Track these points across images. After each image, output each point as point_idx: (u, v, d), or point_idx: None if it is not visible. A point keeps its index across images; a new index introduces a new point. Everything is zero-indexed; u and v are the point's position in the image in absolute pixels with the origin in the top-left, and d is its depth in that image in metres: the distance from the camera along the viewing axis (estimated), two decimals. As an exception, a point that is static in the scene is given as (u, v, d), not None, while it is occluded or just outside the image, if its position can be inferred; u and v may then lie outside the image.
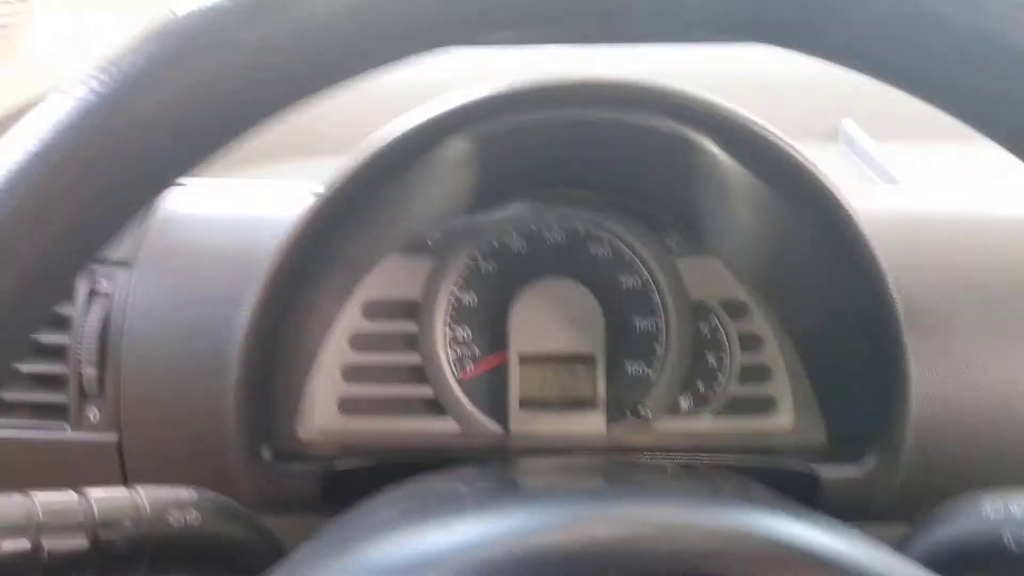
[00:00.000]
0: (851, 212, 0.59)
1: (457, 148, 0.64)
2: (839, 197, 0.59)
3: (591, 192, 0.71)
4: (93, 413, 0.62)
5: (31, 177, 0.26)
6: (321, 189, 0.60)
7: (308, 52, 0.27)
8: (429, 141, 0.61)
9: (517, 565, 0.30)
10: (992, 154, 0.86)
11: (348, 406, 0.70)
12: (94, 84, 0.26)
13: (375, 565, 0.32)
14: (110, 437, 0.62)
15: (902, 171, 0.92)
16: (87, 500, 0.43)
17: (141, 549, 0.44)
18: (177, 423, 0.61)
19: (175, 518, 0.45)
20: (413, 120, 0.60)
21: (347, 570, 0.32)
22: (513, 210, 0.71)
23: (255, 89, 0.27)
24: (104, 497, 0.44)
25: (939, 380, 0.60)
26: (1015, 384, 0.60)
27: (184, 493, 0.47)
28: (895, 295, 0.58)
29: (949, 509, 0.49)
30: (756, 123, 0.59)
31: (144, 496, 0.45)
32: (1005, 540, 0.45)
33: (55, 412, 0.63)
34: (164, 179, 0.28)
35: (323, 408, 0.69)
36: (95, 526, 0.43)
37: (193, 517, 0.46)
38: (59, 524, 0.42)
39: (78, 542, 0.42)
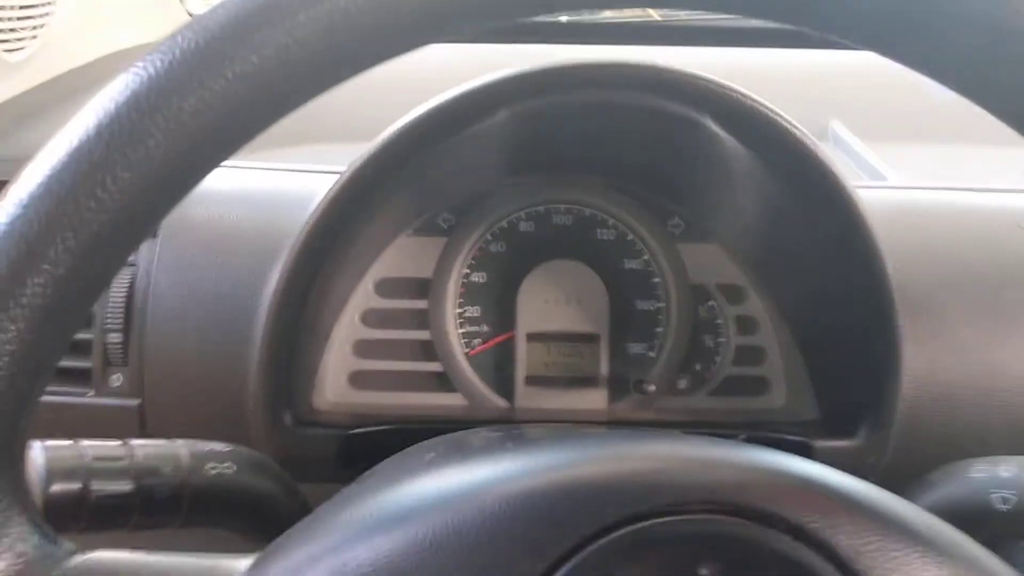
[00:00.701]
0: (852, 192, 0.62)
1: (468, 134, 0.66)
2: (840, 177, 0.62)
3: (598, 177, 0.74)
4: (117, 378, 0.64)
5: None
6: (344, 171, 0.62)
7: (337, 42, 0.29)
8: (445, 127, 0.63)
9: (560, 495, 0.33)
10: (977, 152, 0.90)
11: (359, 380, 0.72)
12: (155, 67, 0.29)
13: (427, 495, 0.34)
14: (133, 402, 0.64)
15: (890, 171, 0.95)
16: (131, 449, 0.45)
17: (180, 495, 0.46)
18: (198, 390, 0.63)
19: (212, 468, 0.47)
20: (430, 105, 0.62)
21: (398, 500, 0.34)
22: (523, 193, 0.74)
23: (294, 76, 0.30)
24: (147, 444, 0.46)
25: (930, 360, 0.63)
26: (1002, 364, 0.64)
27: (221, 446, 0.49)
28: (891, 277, 0.61)
29: (940, 473, 0.52)
30: (761, 103, 0.61)
31: (184, 447, 0.47)
32: (993, 500, 0.48)
33: (80, 377, 0.65)
34: (215, 159, 0.31)
35: (335, 381, 0.72)
36: (138, 472, 0.45)
37: (229, 468, 0.48)
38: (106, 469, 0.44)
39: (123, 486, 0.44)
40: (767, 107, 0.61)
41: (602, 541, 0.32)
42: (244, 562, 0.36)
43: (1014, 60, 0.29)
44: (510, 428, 0.44)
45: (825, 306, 0.69)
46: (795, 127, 0.62)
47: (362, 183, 0.61)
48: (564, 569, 0.32)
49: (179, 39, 0.30)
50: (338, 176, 0.62)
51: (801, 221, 0.67)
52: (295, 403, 0.66)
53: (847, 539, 0.32)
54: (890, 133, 1.03)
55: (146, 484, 0.45)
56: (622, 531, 0.32)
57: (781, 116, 0.61)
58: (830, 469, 0.35)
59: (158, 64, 0.30)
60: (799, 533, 0.32)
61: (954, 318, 0.65)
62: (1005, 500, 0.48)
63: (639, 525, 0.32)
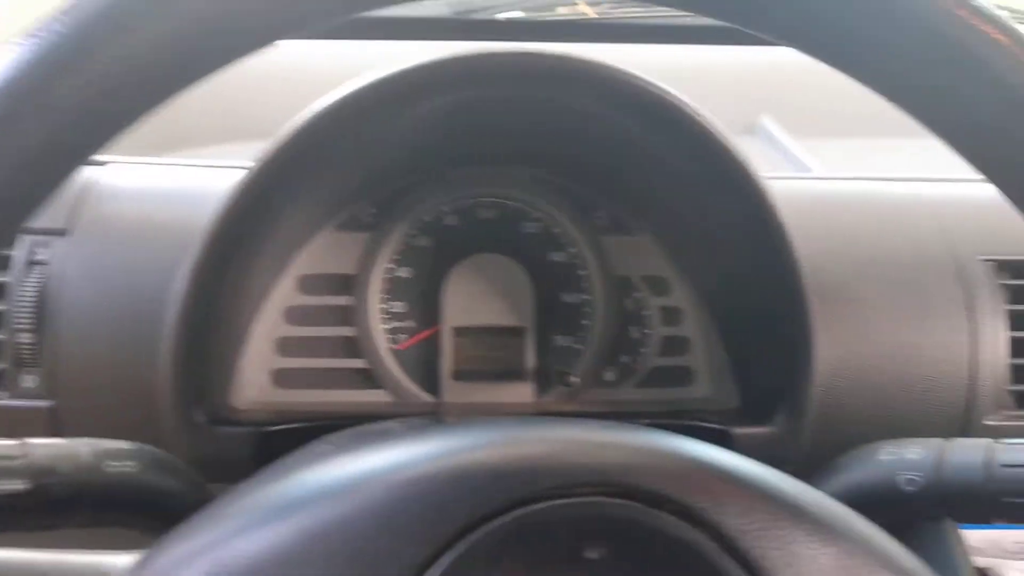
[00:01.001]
0: (761, 182, 0.63)
1: (380, 125, 0.65)
2: (750, 166, 0.63)
3: (523, 170, 0.74)
4: (29, 380, 0.63)
5: None
6: (253, 161, 0.61)
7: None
8: (348, 117, 0.62)
9: (443, 481, 0.32)
10: (900, 146, 0.91)
11: (282, 378, 0.71)
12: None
13: (313, 486, 0.34)
14: (46, 403, 0.62)
15: (816, 164, 0.96)
16: (28, 448, 0.44)
17: (80, 495, 0.45)
18: (112, 389, 0.62)
19: (112, 467, 0.46)
20: (333, 97, 0.61)
21: (283, 494, 0.34)
22: (448, 187, 0.74)
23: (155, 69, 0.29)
24: (44, 444, 0.45)
25: (844, 346, 0.64)
26: (918, 349, 0.65)
27: (122, 444, 0.48)
28: (801, 264, 0.61)
29: (849, 457, 0.53)
30: (672, 93, 0.61)
31: (85, 446, 0.46)
32: (900, 482, 0.49)
33: (-9, 379, 0.63)
34: (83, 153, 0.30)
35: (257, 380, 0.71)
36: (35, 471, 0.44)
37: (130, 467, 0.47)
38: (1, 468, 0.43)
39: (18, 485, 0.43)
40: (678, 98, 0.61)
41: (487, 527, 0.32)
42: (128, 559, 0.35)
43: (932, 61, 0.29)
44: (414, 418, 0.44)
45: (743, 295, 0.70)
46: (703, 116, 0.62)
47: (272, 173, 0.60)
48: (448, 556, 0.31)
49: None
50: (246, 170, 0.61)
51: (718, 212, 0.68)
52: (211, 402, 0.65)
53: (733, 519, 0.32)
54: (821, 129, 1.05)
55: (44, 483, 0.44)
56: (507, 516, 0.32)
57: (689, 105, 0.61)
58: (722, 450, 0.35)
59: None
60: (686, 514, 0.32)
61: (870, 304, 0.65)
62: (911, 482, 0.49)
63: (524, 510, 0.32)
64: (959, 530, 0.64)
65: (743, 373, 0.72)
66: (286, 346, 0.71)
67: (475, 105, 0.65)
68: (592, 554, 0.32)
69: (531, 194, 0.74)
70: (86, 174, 0.68)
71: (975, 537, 0.78)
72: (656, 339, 0.74)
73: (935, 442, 0.49)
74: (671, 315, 0.74)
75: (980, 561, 0.82)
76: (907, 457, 0.49)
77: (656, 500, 0.32)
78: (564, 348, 0.74)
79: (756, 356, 0.70)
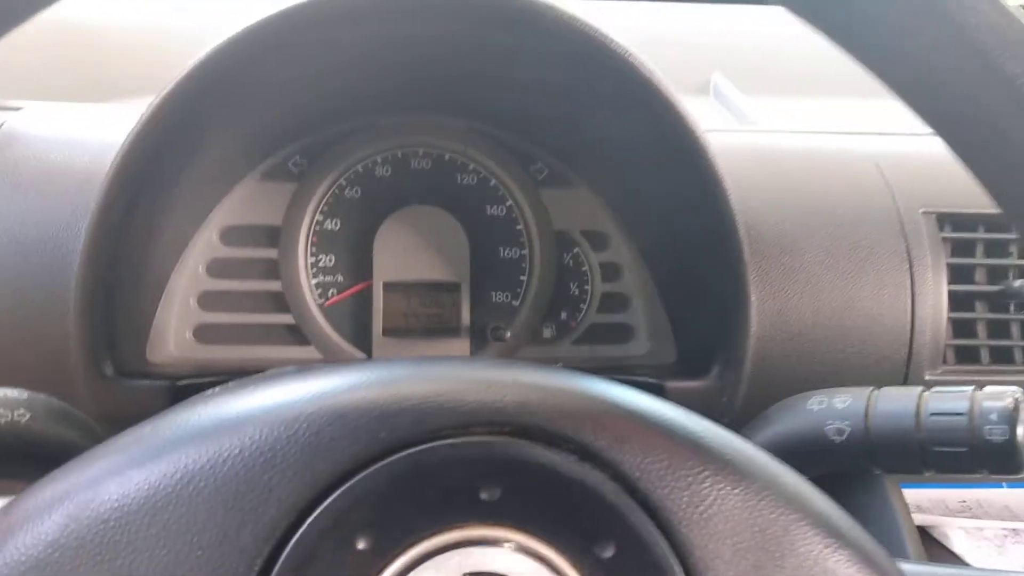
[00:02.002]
0: (700, 134, 0.61)
1: (296, 60, 0.62)
2: (688, 118, 0.60)
3: (459, 120, 0.72)
4: (-74, 331, 0.59)
5: None
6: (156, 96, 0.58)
7: None
8: (256, 48, 0.58)
9: (329, 419, 0.30)
10: (848, 104, 0.90)
11: (204, 333, 0.68)
12: None
13: (192, 427, 0.31)
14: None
15: (766, 120, 0.95)
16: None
17: (-36, 444, 0.42)
18: (19, 337, 0.59)
19: (2, 415, 0.44)
20: (240, 26, 0.57)
21: (160, 435, 0.32)
22: (379, 136, 0.71)
23: None
24: (-75, 391, 0.42)
25: (783, 299, 0.63)
26: (855, 301, 0.63)
27: (14, 393, 0.45)
28: (738, 220, 0.60)
29: (778, 407, 0.51)
30: (608, 37, 0.59)
31: (-31, 393, 0.43)
32: (828, 432, 0.48)
33: None
34: None
35: (178, 335, 0.68)
36: (-87, 420, 0.41)
37: (22, 415, 0.44)
38: None
39: None
40: (619, 45, 0.59)
41: (374, 467, 0.30)
42: (-4, 503, 0.32)
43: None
44: (311, 363, 0.41)
45: (681, 250, 0.68)
46: (638, 59, 0.60)
47: (176, 108, 0.57)
48: (334, 496, 0.29)
49: None
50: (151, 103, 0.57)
51: (656, 165, 0.66)
52: (124, 355, 0.62)
53: (634, 459, 0.30)
54: (775, 87, 1.03)
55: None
56: (395, 456, 0.30)
57: (631, 53, 0.59)
58: (625, 388, 0.33)
59: None
60: (584, 453, 0.30)
61: (811, 257, 0.64)
62: (839, 431, 0.47)
63: (416, 448, 0.30)
64: (900, 488, 0.63)
65: (681, 329, 0.70)
66: (208, 301, 0.69)
67: (404, 48, 0.63)
68: (486, 495, 0.30)
69: (467, 145, 0.72)
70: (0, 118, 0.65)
71: (919, 496, 0.77)
72: (595, 295, 0.72)
73: (864, 391, 0.48)
74: (610, 271, 0.72)
75: (923, 519, 0.81)
76: (835, 406, 0.48)
77: (553, 439, 0.30)
78: (500, 304, 0.71)
79: (694, 311, 0.68)
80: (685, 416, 0.33)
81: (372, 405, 0.30)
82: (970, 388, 0.46)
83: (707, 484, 0.30)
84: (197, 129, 0.61)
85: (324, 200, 0.70)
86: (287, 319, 0.69)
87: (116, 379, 0.60)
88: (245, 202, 0.69)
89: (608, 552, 0.30)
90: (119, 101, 0.82)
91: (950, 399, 0.46)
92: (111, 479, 0.30)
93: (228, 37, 0.56)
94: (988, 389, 0.45)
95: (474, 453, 0.30)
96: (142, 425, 0.33)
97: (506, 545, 0.30)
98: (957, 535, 0.81)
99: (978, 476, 0.45)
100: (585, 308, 0.72)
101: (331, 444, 0.30)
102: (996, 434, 0.43)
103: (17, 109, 0.67)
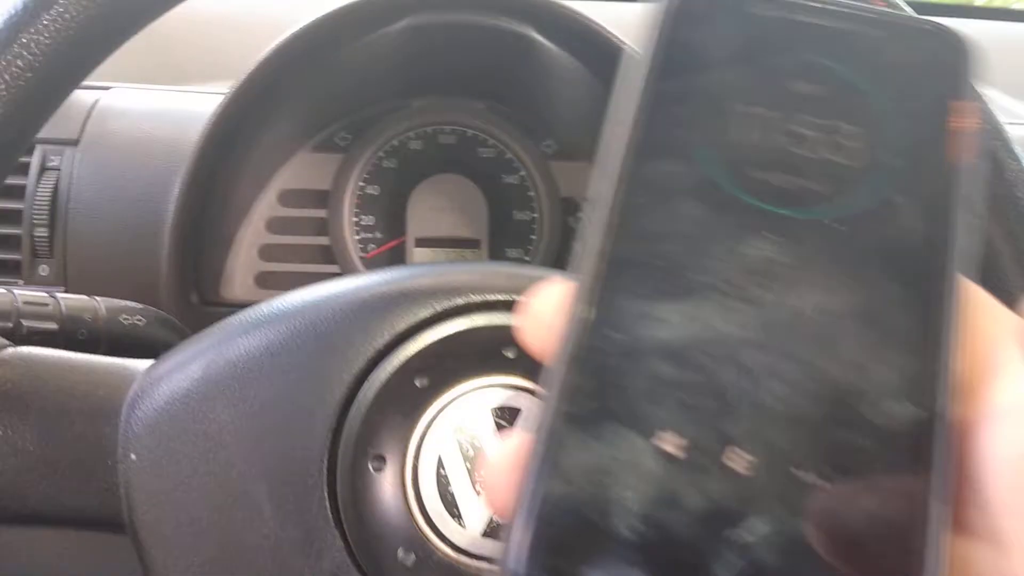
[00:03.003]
0: None
1: (343, 53, 0.74)
2: None
3: (479, 101, 0.84)
4: (43, 269, 0.72)
5: None
6: (236, 81, 0.71)
7: None
8: (310, 45, 0.71)
9: (399, 294, 0.42)
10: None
11: (264, 280, 0.81)
12: None
13: (296, 302, 0.43)
14: (59, 290, 0.72)
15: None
16: (56, 299, 0.54)
17: (97, 338, 0.54)
18: (116, 280, 0.71)
19: (126, 319, 0.56)
20: (296, 27, 0.70)
21: (269, 310, 0.44)
22: (412, 116, 0.83)
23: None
24: (69, 297, 0.54)
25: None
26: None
27: (134, 304, 0.57)
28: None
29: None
30: (595, 22, 0.71)
31: (102, 302, 0.56)
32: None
33: (11, 268, 0.72)
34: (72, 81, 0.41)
35: (242, 281, 0.80)
36: (62, 318, 0.53)
37: (140, 321, 0.56)
38: (34, 312, 0.52)
39: (50, 325, 0.52)
40: (601, 26, 0.70)
41: (431, 329, 0.42)
42: (147, 362, 0.45)
43: None
44: None
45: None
46: (617, 38, 0.71)
47: (246, 97, 0.69)
48: (401, 347, 0.41)
49: None
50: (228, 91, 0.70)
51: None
52: (202, 292, 0.75)
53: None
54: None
55: (69, 327, 0.53)
56: (446, 322, 0.42)
57: (612, 32, 0.71)
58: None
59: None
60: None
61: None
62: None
63: (462, 316, 0.42)
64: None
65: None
66: (268, 252, 0.81)
67: (432, 39, 0.75)
68: (509, 353, 0.42)
69: (486, 123, 0.84)
70: (94, 96, 0.77)
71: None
72: (596, 253, 0.84)
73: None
74: (610, 232, 0.84)
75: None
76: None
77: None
78: (514, 259, 0.83)
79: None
80: None
81: (429, 286, 0.42)
82: None
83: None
84: (265, 110, 0.74)
85: (365, 169, 0.82)
86: (334, 269, 0.81)
87: (200, 306, 0.72)
88: (300, 170, 0.82)
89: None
90: (186, 84, 0.94)
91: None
92: (237, 336, 0.42)
93: (293, 32, 0.69)
94: None
95: (499, 323, 0.42)
96: (258, 305, 0.45)
97: (520, 388, 0.42)
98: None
99: None
100: (587, 264, 0.84)
101: (400, 311, 0.42)
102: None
103: (107, 88, 0.80)
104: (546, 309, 0.25)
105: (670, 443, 0.21)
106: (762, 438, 0.21)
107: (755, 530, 0.20)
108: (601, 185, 0.24)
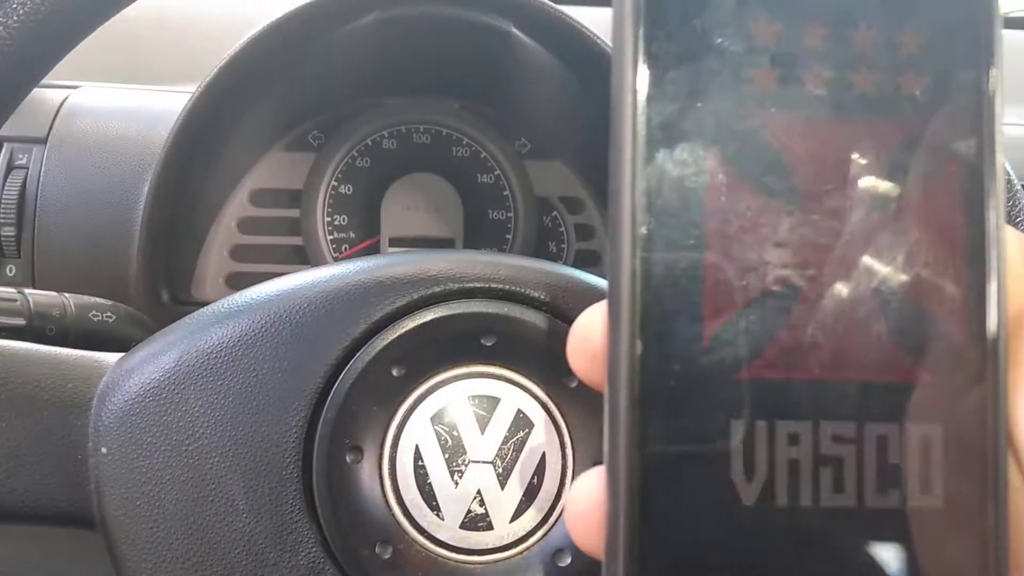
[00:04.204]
0: None
1: (311, 49, 0.74)
2: None
3: (454, 100, 0.83)
4: (10, 269, 0.71)
5: None
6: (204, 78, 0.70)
7: None
8: (277, 41, 0.69)
9: (375, 283, 0.42)
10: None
11: (235, 281, 0.80)
12: None
13: (271, 291, 0.43)
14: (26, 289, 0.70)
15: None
16: (25, 295, 0.53)
17: (66, 335, 0.53)
18: (84, 278, 0.70)
19: (96, 316, 0.55)
20: (262, 24, 0.69)
21: (242, 299, 0.43)
22: (386, 114, 0.83)
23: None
24: (38, 293, 0.53)
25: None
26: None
27: (103, 301, 0.56)
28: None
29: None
30: (574, 20, 0.71)
31: (71, 299, 0.55)
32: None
33: (-25, 268, 0.71)
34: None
35: (213, 281, 0.79)
36: (30, 314, 0.52)
37: (110, 317, 0.55)
38: (1, 309, 0.51)
39: (17, 321, 0.51)
40: (580, 25, 0.70)
41: (407, 317, 0.41)
42: (116, 355, 0.44)
43: None
44: None
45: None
46: (596, 37, 0.71)
47: (215, 95, 0.68)
48: (378, 336, 0.41)
49: None
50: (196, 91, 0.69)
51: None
52: (173, 291, 0.74)
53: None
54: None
55: (37, 324, 0.52)
56: (423, 310, 0.41)
57: (591, 31, 0.71)
58: (584, 273, 0.45)
59: None
60: (555, 311, 0.42)
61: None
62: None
63: (439, 304, 0.42)
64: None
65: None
66: (239, 253, 0.80)
67: (403, 33, 0.74)
68: (486, 342, 0.41)
69: (461, 122, 0.83)
70: (62, 94, 0.76)
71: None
72: (571, 253, 0.84)
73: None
74: (584, 231, 0.84)
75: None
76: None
77: (533, 302, 0.42)
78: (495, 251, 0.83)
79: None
80: None
81: (406, 274, 0.42)
82: None
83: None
84: (236, 107, 0.73)
85: (339, 168, 0.81)
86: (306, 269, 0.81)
87: (170, 305, 0.71)
88: (272, 169, 0.81)
89: (573, 383, 0.41)
90: (155, 84, 0.93)
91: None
92: (211, 326, 0.42)
93: (261, 28, 0.68)
94: None
95: (477, 311, 0.42)
96: (232, 295, 0.45)
97: (498, 377, 0.41)
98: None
99: None
100: (562, 264, 0.84)
101: (376, 300, 0.41)
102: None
103: (76, 87, 0.79)
104: (591, 336, 0.24)
105: (748, 487, 0.21)
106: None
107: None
108: (618, 183, 0.23)
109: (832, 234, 0.22)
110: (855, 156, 0.22)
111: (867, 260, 0.22)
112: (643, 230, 0.22)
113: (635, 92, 0.22)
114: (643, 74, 0.22)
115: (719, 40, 0.22)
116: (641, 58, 0.22)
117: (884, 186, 0.22)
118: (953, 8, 0.23)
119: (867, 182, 0.22)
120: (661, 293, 0.22)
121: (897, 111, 0.23)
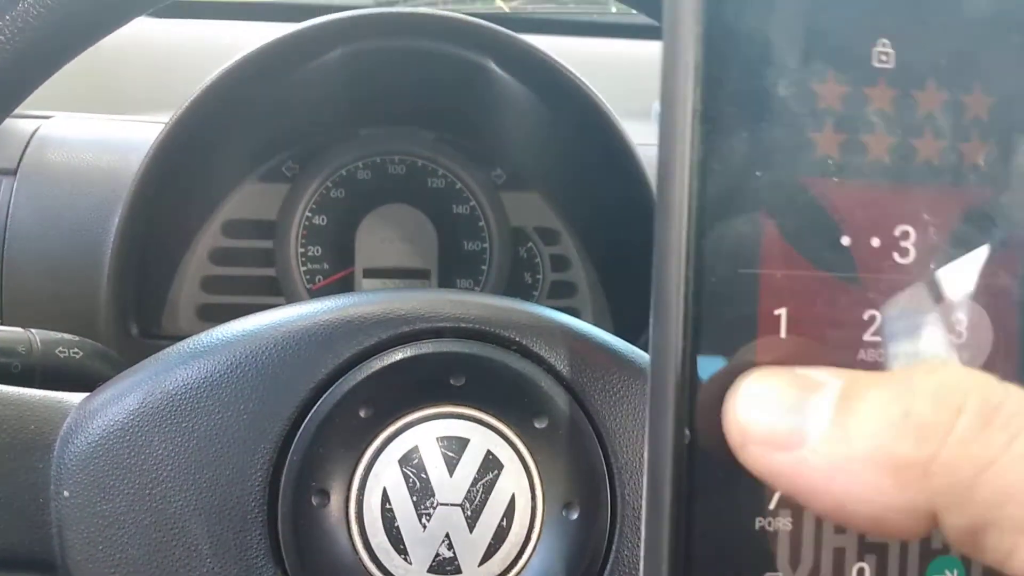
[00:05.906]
0: (631, 146, 0.73)
1: (285, 81, 0.74)
2: (623, 134, 0.73)
3: (429, 131, 0.83)
4: (-23, 301, 0.70)
5: None
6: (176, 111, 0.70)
7: None
8: (251, 73, 0.70)
9: (343, 322, 0.41)
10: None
11: (207, 312, 0.79)
12: None
13: (237, 331, 0.42)
14: (-7, 321, 0.70)
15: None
16: (-13, 332, 0.52)
17: (32, 373, 0.53)
18: (54, 311, 0.69)
19: (62, 352, 0.54)
20: (236, 57, 0.69)
21: (208, 339, 0.42)
22: (361, 145, 0.82)
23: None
24: (3, 330, 0.53)
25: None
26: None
27: (69, 336, 0.56)
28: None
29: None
30: (549, 56, 0.71)
31: (37, 335, 0.54)
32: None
33: (-59, 301, 0.70)
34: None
35: (184, 312, 0.79)
36: (-5, 351, 0.51)
37: (76, 354, 0.55)
38: (-37, 347, 0.50)
39: (-20, 361, 0.50)
40: (555, 61, 0.71)
41: (374, 358, 0.41)
42: (81, 396, 0.43)
43: None
44: None
45: (620, 246, 0.80)
46: (588, 88, 0.72)
47: (188, 127, 0.68)
48: (343, 378, 0.40)
49: None
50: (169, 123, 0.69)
51: (598, 174, 0.78)
52: (143, 325, 0.73)
53: (562, 357, 0.42)
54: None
55: (2, 361, 0.51)
56: (390, 350, 0.41)
57: (562, 64, 0.71)
58: (559, 313, 0.45)
59: None
60: (525, 352, 0.42)
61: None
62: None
63: (404, 346, 0.41)
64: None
65: (618, 312, 0.82)
66: (211, 284, 0.79)
67: (376, 67, 0.75)
68: (455, 382, 0.41)
69: (435, 153, 0.83)
70: (34, 124, 0.76)
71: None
72: (546, 283, 0.84)
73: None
74: (560, 262, 0.84)
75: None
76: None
77: (503, 341, 0.42)
78: (464, 289, 0.83)
79: (630, 297, 0.80)
80: (601, 332, 0.44)
81: (374, 313, 0.42)
82: None
83: (615, 375, 0.42)
84: (209, 138, 0.73)
85: (313, 199, 0.81)
86: (279, 301, 0.80)
87: (139, 339, 0.70)
88: (245, 200, 0.80)
89: (542, 424, 0.41)
90: (127, 114, 0.93)
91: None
92: (176, 367, 0.41)
93: (233, 61, 0.68)
94: None
95: (446, 351, 0.41)
96: (198, 335, 0.44)
97: (468, 418, 0.41)
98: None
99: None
100: (537, 294, 0.84)
101: (343, 340, 0.41)
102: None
103: (48, 117, 0.78)
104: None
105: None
106: None
107: None
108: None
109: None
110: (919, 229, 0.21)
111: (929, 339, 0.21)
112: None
113: (689, 157, 0.21)
114: (698, 137, 0.21)
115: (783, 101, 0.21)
116: (697, 120, 0.20)
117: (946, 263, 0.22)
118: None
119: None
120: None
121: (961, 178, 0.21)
